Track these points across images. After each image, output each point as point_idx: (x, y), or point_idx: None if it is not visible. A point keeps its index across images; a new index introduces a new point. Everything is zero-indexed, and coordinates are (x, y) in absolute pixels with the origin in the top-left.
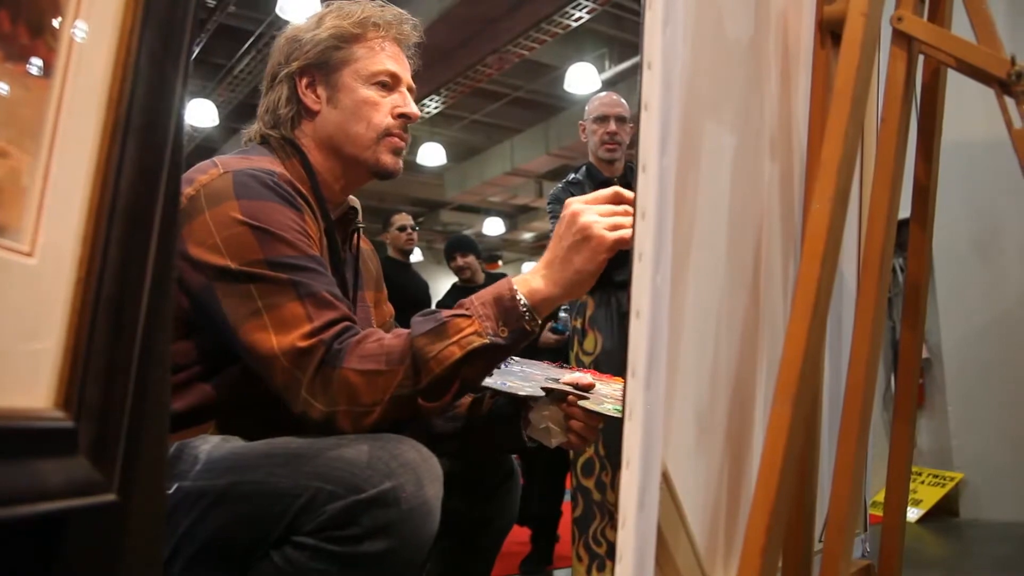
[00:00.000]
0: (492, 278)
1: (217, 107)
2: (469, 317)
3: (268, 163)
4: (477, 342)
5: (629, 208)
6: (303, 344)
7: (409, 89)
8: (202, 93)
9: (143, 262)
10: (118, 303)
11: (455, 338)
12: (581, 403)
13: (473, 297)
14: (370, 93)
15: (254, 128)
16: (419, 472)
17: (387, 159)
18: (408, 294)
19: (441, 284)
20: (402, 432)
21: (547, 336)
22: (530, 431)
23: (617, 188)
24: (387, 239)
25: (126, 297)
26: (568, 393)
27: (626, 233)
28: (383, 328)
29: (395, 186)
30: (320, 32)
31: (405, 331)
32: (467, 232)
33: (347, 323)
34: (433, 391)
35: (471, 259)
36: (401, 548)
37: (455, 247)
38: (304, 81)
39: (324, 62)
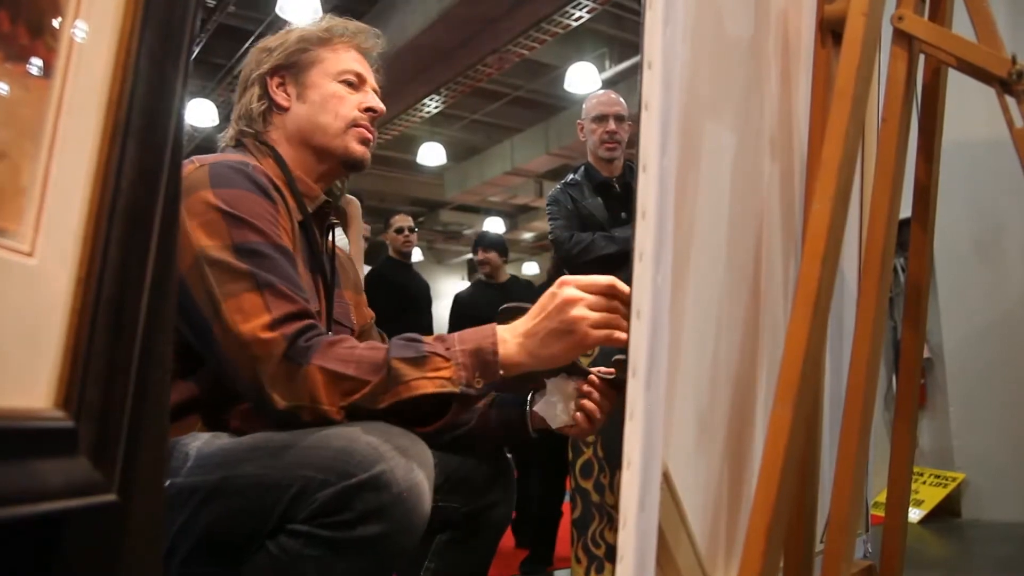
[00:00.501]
0: (512, 279)
1: (217, 107)
2: (448, 360)
3: (244, 159)
4: (448, 388)
5: (620, 306)
6: (265, 336)
7: (375, 91)
8: (202, 93)
9: (143, 262)
10: (118, 303)
11: (430, 375)
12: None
13: (455, 338)
14: (337, 88)
15: (229, 132)
16: (409, 455)
17: (356, 147)
18: (409, 293)
19: (441, 284)
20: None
21: None
22: (539, 406)
23: (614, 282)
24: (387, 240)
25: (126, 297)
26: (589, 372)
27: (608, 333)
28: (364, 330)
29: (395, 186)
30: (289, 38)
31: (382, 346)
32: (468, 232)
33: (309, 320)
34: (396, 414)
35: (492, 255)
36: (394, 532)
37: (479, 242)
38: (275, 81)
39: (293, 63)
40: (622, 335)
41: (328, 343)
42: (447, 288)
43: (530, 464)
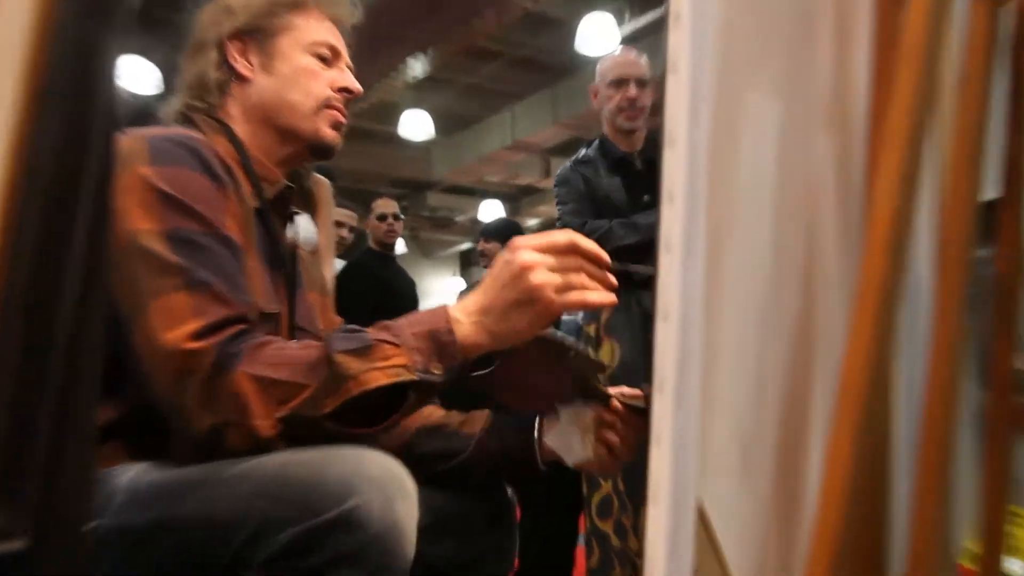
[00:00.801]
0: None
1: (159, 69)
2: (398, 347)
3: (190, 134)
4: (405, 376)
5: (583, 263)
6: (192, 346)
7: (348, 68)
8: (141, 52)
9: (66, 254)
10: (34, 303)
11: (381, 364)
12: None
13: (403, 323)
14: (309, 62)
15: (174, 104)
16: (387, 487)
17: (327, 132)
18: (392, 288)
19: (429, 281)
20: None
21: None
22: (550, 438)
23: (574, 239)
24: (367, 228)
25: (45, 296)
26: (610, 397)
27: (577, 297)
28: None
29: (374, 163)
30: None
31: (316, 343)
32: (461, 218)
33: (244, 325)
34: (343, 417)
35: (492, 246)
36: None
37: (482, 230)
38: (236, 47)
39: (259, 28)
40: (591, 297)
41: (254, 346)
42: (436, 286)
43: (535, 500)
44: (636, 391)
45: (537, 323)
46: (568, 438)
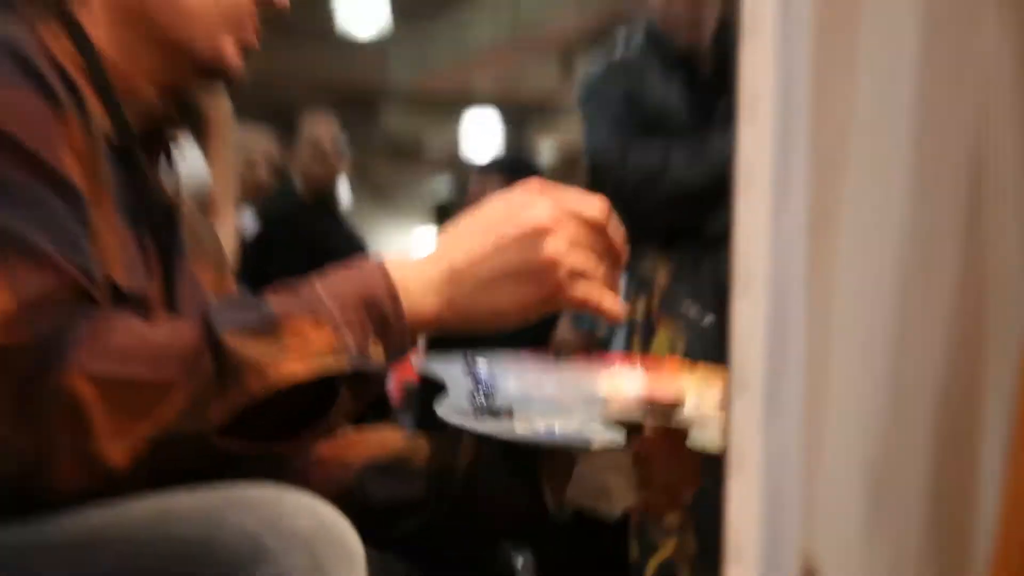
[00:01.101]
0: None
1: None
2: (319, 321)
3: (9, 26)
4: (332, 365)
5: (608, 246)
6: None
7: None
8: None
9: None
10: None
11: (295, 349)
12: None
13: (320, 288)
14: None
15: None
16: (317, 548)
17: (231, 56)
18: (330, 252)
19: (387, 241)
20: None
21: (565, 336)
22: (572, 491)
23: (608, 216)
24: (293, 164)
25: None
26: (638, 425)
27: (591, 294)
28: None
29: (300, 64)
30: None
31: (188, 321)
32: (435, 146)
33: (79, 303)
34: (240, 430)
35: (492, 182)
36: None
37: (480, 167)
38: None
39: None
40: (606, 301)
41: (95, 328)
42: (397, 249)
43: (556, 564)
44: (669, 395)
45: (531, 310)
46: (599, 491)
